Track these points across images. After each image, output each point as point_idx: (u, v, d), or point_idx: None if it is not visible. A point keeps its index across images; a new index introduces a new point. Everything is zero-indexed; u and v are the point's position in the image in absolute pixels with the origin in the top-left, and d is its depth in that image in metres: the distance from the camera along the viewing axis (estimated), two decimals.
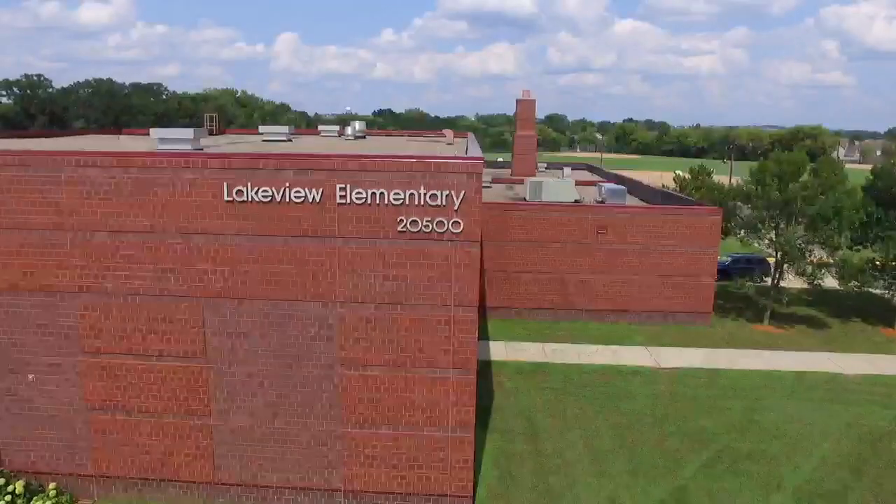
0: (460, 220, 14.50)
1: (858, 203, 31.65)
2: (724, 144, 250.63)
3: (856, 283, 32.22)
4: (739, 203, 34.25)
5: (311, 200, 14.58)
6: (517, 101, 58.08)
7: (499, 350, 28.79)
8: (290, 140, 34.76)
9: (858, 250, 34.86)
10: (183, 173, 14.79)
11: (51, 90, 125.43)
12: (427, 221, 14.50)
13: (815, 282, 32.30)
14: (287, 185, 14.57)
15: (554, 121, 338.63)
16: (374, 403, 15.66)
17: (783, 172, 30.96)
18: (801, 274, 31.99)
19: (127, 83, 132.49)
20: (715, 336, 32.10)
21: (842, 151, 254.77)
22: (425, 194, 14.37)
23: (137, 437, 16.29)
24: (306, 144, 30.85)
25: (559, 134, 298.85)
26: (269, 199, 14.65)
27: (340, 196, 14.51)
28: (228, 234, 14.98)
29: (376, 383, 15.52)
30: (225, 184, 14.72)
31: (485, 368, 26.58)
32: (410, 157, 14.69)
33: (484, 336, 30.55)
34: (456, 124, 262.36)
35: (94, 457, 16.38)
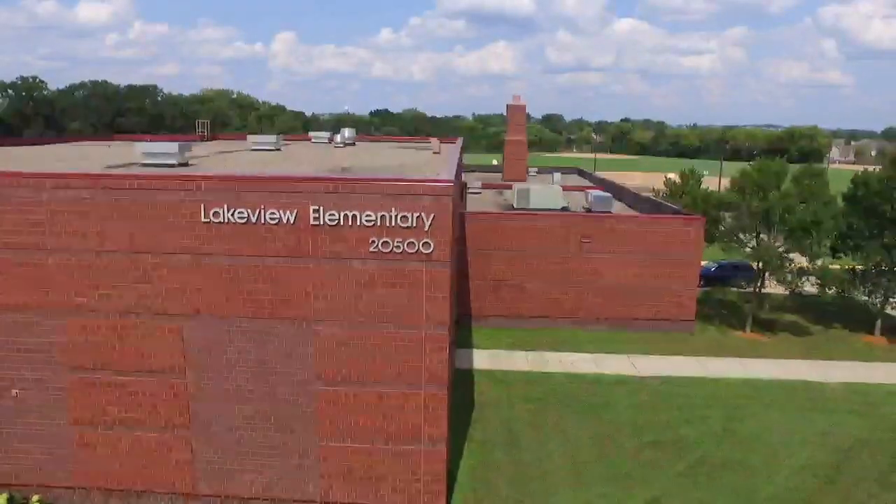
0: (431, 241, 14.87)
1: (837, 212, 32.03)
2: (721, 145, 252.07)
3: (835, 290, 32.62)
4: (723, 212, 34.61)
5: (285, 222, 14.96)
6: (508, 106, 58.54)
7: (482, 359, 29.15)
8: (278, 149, 35.16)
9: (840, 258, 35.23)
10: (161, 195, 15.15)
11: (46, 92, 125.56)
12: (398, 242, 14.88)
13: (796, 290, 32.72)
14: (262, 207, 14.94)
15: (551, 121, 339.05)
16: (348, 418, 16.05)
17: (763, 181, 31.34)
18: (781, 282, 32.40)
19: (122, 85, 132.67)
20: (698, 344, 32.46)
21: (836, 152, 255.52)
22: (396, 216, 14.75)
23: (119, 450, 16.66)
24: (294, 154, 31.21)
25: (556, 134, 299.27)
26: (245, 220, 15.03)
27: (314, 218, 14.89)
28: (206, 254, 15.35)
29: (351, 398, 15.91)
30: (202, 205, 15.08)
31: (467, 378, 26.95)
32: (381, 179, 15.07)
33: (468, 345, 30.92)
34: (453, 125, 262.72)
35: (77, 469, 16.76)
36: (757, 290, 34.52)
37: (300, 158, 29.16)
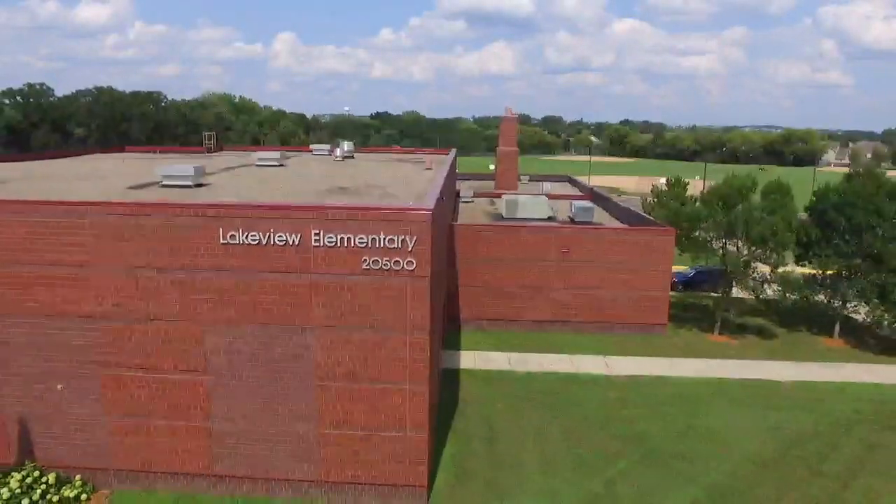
0: (413, 260, 17.64)
1: (796, 225, 34.76)
2: (717, 147, 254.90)
3: (795, 296, 35.30)
4: (695, 223, 37.24)
5: (290, 243, 17.72)
6: (501, 118, 61.53)
7: (468, 360, 31.89)
8: (282, 165, 38.03)
9: (804, 265, 37.93)
10: (186, 221, 17.89)
11: (52, 98, 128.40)
12: (386, 261, 17.64)
13: (760, 295, 35.47)
14: (272, 230, 17.70)
15: (550, 123, 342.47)
16: (344, 409, 18.80)
17: (728, 197, 34.10)
18: (745, 288, 35.14)
19: (127, 91, 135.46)
20: (669, 346, 35.14)
21: (832, 155, 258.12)
22: (384, 238, 17.52)
23: (148, 437, 19.41)
24: (297, 171, 34.01)
25: (554, 137, 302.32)
26: (257, 242, 17.78)
27: (315, 240, 17.65)
28: (224, 270, 18.10)
29: (346, 393, 18.67)
30: (220, 229, 17.84)
31: (453, 377, 29.70)
32: (372, 208, 17.87)
33: (456, 346, 33.67)
34: (452, 127, 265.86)
35: (112, 453, 19.52)
36: (725, 294, 37.20)
37: (302, 176, 31.95)
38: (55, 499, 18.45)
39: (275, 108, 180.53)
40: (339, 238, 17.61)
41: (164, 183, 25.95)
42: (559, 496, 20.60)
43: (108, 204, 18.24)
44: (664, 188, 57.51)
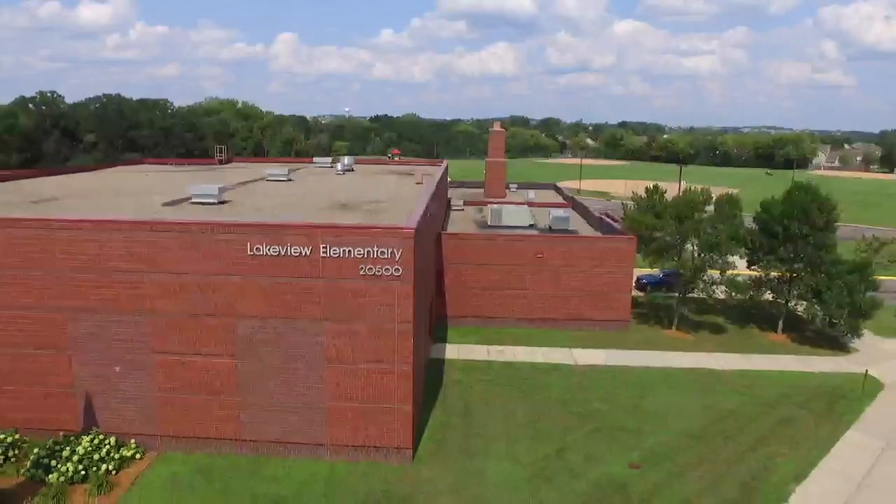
0: (400, 267, 22.49)
1: (740, 234, 39.59)
2: (711, 150, 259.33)
3: (740, 296, 40.14)
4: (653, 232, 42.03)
5: (304, 254, 22.56)
6: (490, 131, 66.45)
7: (453, 351, 36.71)
8: (290, 180, 42.91)
9: (755, 270, 42.72)
10: (220, 236, 22.73)
11: (63, 106, 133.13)
12: (379, 268, 22.49)
13: (711, 296, 40.28)
14: (289, 244, 22.53)
15: (548, 125, 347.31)
16: (346, 386, 23.63)
17: (680, 211, 38.95)
18: (696, 289, 39.97)
19: (133, 97, 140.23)
20: (630, 340, 39.88)
21: (823, 158, 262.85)
22: (377, 250, 22.37)
23: (188, 408, 24.21)
24: (303, 186, 38.84)
25: (551, 140, 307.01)
26: (277, 253, 22.62)
27: (323, 252, 22.49)
28: (251, 276, 22.93)
29: (347, 373, 23.49)
30: (248, 243, 22.67)
31: (439, 365, 34.52)
32: (367, 227, 22.74)
33: (443, 340, 38.49)
34: (452, 129, 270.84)
35: (160, 422, 24.34)
36: (684, 295, 41.97)
37: (308, 192, 36.79)
38: (116, 456, 23.26)
39: (276, 111, 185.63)
40: (342, 250, 22.46)
41: (194, 201, 30.80)
42: (518, 458, 25.44)
43: (156, 222, 23.09)
44: (643, 195, 62.10)
